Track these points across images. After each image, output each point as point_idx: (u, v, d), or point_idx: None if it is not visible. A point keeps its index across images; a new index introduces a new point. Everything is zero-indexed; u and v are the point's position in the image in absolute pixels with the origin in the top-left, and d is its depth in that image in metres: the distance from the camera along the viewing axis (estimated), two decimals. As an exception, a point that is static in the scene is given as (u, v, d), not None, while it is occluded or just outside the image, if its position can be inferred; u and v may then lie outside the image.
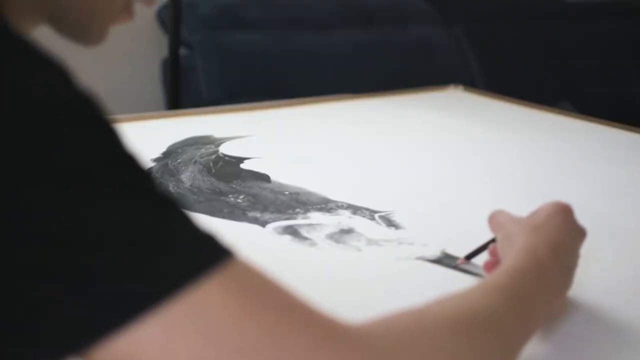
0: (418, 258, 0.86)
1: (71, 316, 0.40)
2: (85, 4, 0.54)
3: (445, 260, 0.85)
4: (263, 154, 1.19)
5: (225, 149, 1.20)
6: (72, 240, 0.40)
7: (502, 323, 0.56)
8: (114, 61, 2.14)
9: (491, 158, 1.26)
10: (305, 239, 0.90)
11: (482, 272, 0.78)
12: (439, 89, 1.74)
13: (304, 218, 0.95)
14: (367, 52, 2.32)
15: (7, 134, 0.40)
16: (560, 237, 0.69)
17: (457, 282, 0.80)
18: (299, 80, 2.17)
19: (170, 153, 1.17)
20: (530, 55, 2.60)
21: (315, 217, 0.96)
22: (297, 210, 0.98)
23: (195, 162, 1.14)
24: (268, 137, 1.30)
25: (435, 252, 0.87)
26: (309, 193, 1.03)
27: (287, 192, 1.03)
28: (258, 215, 0.96)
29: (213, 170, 1.11)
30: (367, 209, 0.99)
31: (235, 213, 0.96)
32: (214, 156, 1.17)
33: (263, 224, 0.93)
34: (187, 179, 1.07)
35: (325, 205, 1.00)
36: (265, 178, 1.08)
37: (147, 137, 1.24)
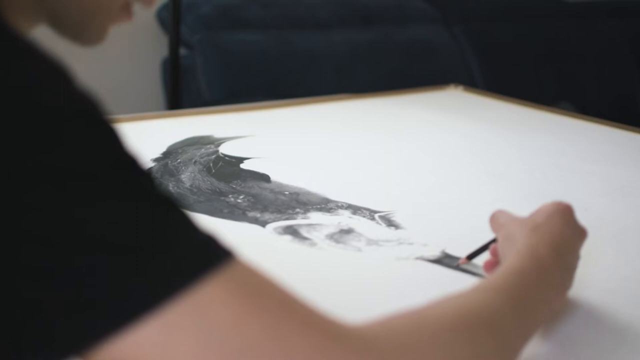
0: (418, 258, 0.86)
1: (71, 317, 0.40)
2: (85, 4, 0.54)
3: (446, 260, 0.85)
4: (263, 154, 1.19)
5: (225, 149, 1.20)
6: (72, 241, 0.40)
7: (502, 323, 0.56)
8: (114, 61, 2.14)
9: (491, 158, 1.26)
10: (305, 239, 0.90)
11: (482, 272, 0.78)
12: (438, 88, 1.74)
13: (304, 218, 0.95)
14: (367, 52, 2.32)
15: (7, 134, 0.40)
16: (560, 237, 0.69)
17: (457, 282, 0.80)
18: (299, 80, 2.17)
19: (170, 153, 1.17)
20: (530, 55, 2.60)
21: (315, 217, 0.96)
22: (297, 210, 0.98)
23: (195, 162, 1.13)
24: (268, 137, 1.30)
25: (435, 252, 0.87)
26: (309, 193, 1.03)
27: (287, 192, 1.03)
28: (258, 215, 0.96)
29: (213, 170, 1.11)
30: (367, 209, 0.99)
31: (235, 213, 0.96)
32: (214, 156, 1.17)
33: (263, 224, 0.93)
34: (187, 179, 1.07)
35: (325, 205, 1.00)
36: (265, 178, 1.08)
37: (147, 137, 1.24)
